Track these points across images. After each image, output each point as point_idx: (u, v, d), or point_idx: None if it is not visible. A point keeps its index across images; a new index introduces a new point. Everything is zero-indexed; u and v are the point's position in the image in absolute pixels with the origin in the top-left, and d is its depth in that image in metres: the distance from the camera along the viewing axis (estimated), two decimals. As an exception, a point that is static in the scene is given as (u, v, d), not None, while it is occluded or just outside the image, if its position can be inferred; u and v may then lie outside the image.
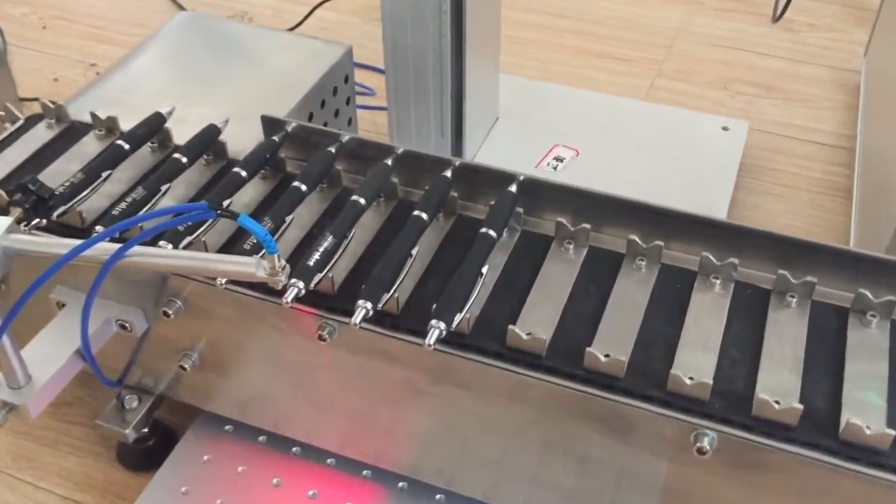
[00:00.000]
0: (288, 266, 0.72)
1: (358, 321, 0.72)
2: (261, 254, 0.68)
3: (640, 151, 1.34)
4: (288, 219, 0.82)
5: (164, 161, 0.90)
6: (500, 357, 0.74)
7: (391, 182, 0.87)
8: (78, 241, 0.70)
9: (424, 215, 0.81)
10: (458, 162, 0.87)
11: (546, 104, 1.44)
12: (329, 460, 0.95)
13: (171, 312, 0.83)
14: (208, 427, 0.98)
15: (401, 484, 0.93)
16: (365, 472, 0.94)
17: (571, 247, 0.83)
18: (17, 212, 0.81)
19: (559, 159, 1.32)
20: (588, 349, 0.71)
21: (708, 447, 0.68)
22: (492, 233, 0.80)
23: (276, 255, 0.70)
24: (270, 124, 0.94)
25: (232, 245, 0.82)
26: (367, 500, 0.92)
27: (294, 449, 0.96)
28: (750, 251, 0.80)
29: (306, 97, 1.07)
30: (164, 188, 0.86)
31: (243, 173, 0.86)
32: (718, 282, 0.79)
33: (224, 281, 0.76)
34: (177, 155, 0.88)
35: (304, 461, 0.95)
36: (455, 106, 1.23)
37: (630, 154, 1.33)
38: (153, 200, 0.84)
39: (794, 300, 0.77)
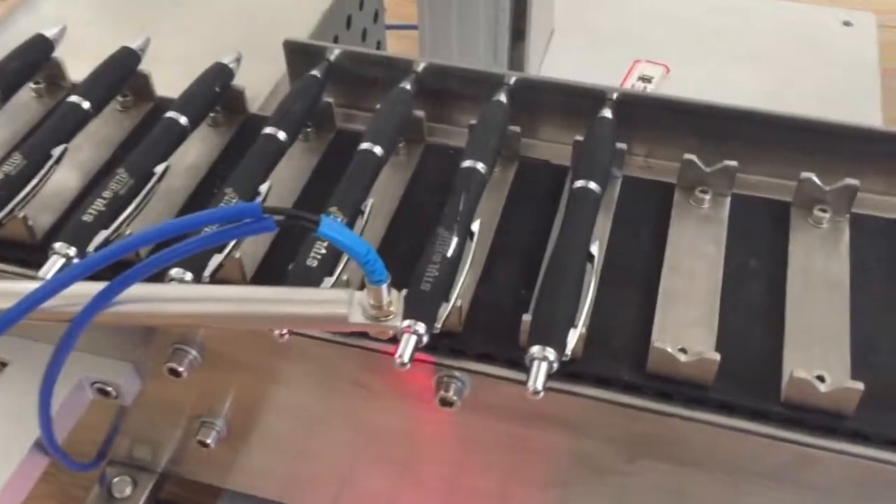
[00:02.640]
0: (400, 298, 0.41)
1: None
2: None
3: (746, 61, 1.03)
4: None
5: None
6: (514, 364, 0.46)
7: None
8: (28, 284, 0.38)
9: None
10: (613, 94, 0.55)
11: (614, 10, 1.12)
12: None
13: (182, 370, 0.51)
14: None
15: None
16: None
17: (707, 197, 0.53)
18: None
19: (646, 79, 1.01)
20: (793, 372, 0.43)
21: None
22: (592, 186, 0.50)
23: (385, 286, 0.39)
24: (299, 54, 0.61)
25: (278, 258, 0.50)
26: None
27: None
28: None
29: (329, 12, 0.74)
30: (159, 169, 0.52)
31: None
32: None
33: (285, 330, 0.44)
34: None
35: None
36: (514, 15, 0.91)
37: (733, 65, 1.03)
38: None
39: None
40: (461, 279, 0.46)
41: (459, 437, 0.51)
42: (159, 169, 0.52)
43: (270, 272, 0.49)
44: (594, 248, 0.47)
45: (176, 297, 0.40)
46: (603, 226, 0.52)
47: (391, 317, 0.40)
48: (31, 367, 0.52)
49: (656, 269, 0.50)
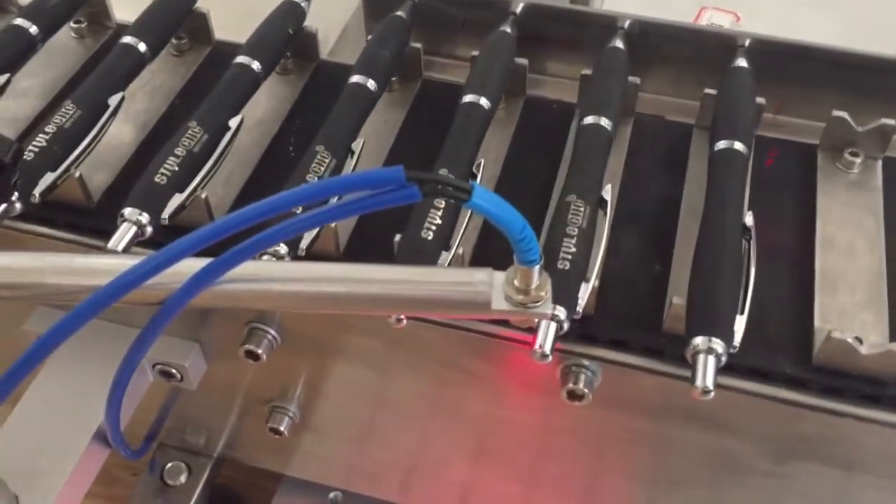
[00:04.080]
0: (550, 283, 0.34)
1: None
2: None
3: (818, 5, 0.96)
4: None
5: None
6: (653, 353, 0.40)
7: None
8: (108, 259, 0.32)
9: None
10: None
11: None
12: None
13: (261, 352, 0.45)
14: (301, 495, 0.61)
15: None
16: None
17: (858, 161, 0.46)
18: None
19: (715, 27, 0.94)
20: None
21: None
22: (738, 146, 0.43)
23: (536, 267, 0.33)
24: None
25: (362, 232, 0.44)
26: None
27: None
28: None
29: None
30: (233, 122, 0.45)
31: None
32: None
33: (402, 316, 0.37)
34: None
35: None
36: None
37: (811, 12, 0.96)
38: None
39: None
40: (599, 255, 0.40)
41: (583, 432, 0.45)
42: (234, 122, 0.45)
43: (364, 244, 0.43)
44: (749, 219, 0.41)
45: (284, 276, 0.33)
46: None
47: (540, 303, 0.34)
48: (84, 347, 0.45)
49: (807, 244, 0.43)
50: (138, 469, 0.64)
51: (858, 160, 0.46)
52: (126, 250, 0.39)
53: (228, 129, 0.44)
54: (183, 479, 0.58)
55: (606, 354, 0.40)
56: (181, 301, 0.32)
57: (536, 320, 0.37)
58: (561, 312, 0.37)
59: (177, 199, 0.41)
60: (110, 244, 0.39)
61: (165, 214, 0.40)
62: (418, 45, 0.51)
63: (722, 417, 0.41)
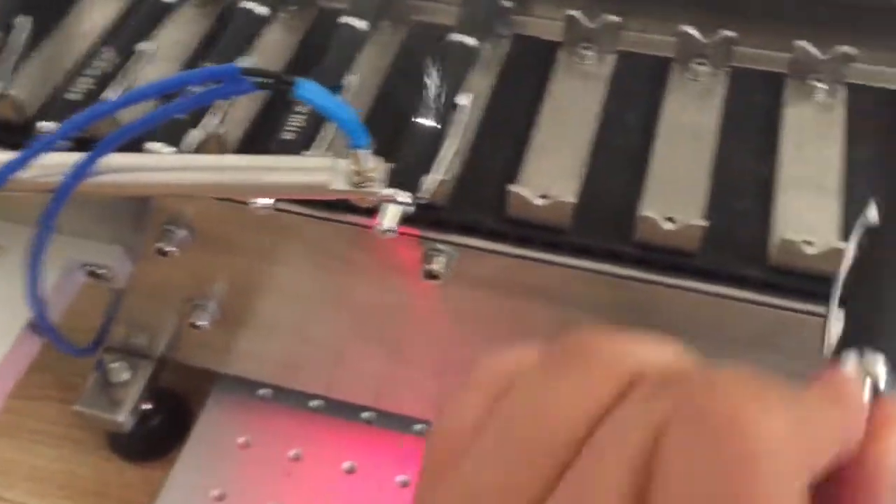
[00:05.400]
0: (384, 166, 0.41)
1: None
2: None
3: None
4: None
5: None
6: (499, 237, 0.47)
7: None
8: (6, 154, 0.38)
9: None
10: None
11: None
12: (418, 426, 0.66)
13: (170, 249, 0.52)
14: (235, 394, 0.69)
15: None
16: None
17: (590, 53, 0.53)
18: None
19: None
20: (641, 213, 0.44)
21: None
22: (468, 41, 0.50)
23: (366, 150, 0.39)
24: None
25: (260, 135, 0.50)
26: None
27: (365, 415, 0.67)
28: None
29: None
30: (142, 47, 0.52)
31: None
32: (823, 87, 0.50)
33: (265, 201, 0.44)
34: None
35: (382, 433, 0.66)
36: None
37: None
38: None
39: None
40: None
41: (448, 311, 0.52)
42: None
43: (254, 150, 0.49)
44: (464, 100, 0.47)
45: (154, 166, 0.40)
46: (484, 81, 0.51)
47: (373, 183, 0.40)
48: (21, 250, 0.52)
49: (533, 120, 0.50)
50: (94, 375, 0.71)
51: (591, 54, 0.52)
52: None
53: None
54: (125, 376, 0.65)
55: (458, 239, 0.47)
56: (65, 190, 0.39)
57: (384, 203, 0.43)
58: (403, 196, 0.43)
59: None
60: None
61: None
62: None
63: (559, 292, 0.48)
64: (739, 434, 0.18)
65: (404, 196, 0.43)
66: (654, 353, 0.22)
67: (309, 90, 0.36)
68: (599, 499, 0.19)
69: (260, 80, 0.36)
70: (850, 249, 0.31)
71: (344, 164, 0.40)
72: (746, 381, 0.19)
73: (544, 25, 0.55)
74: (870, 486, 0.21)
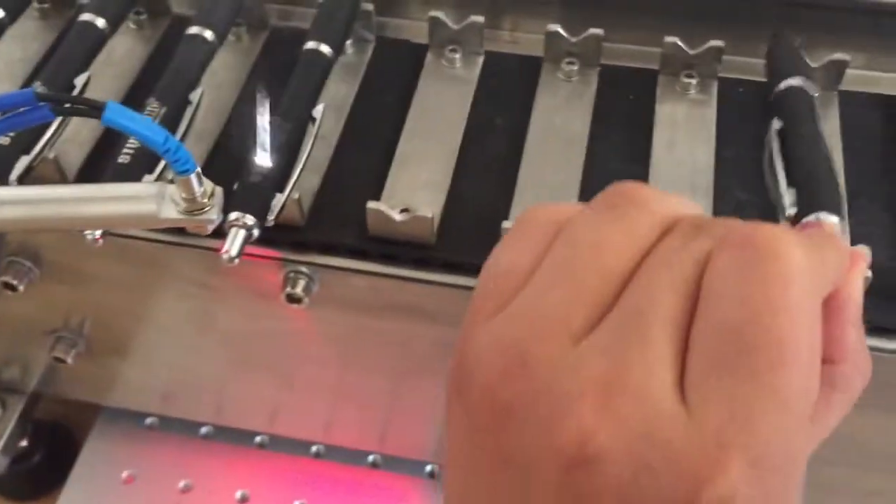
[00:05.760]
0: (219, 191, 0.37)
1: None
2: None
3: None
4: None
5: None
6: (361, 255, 0.44)
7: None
8: None
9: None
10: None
11: None
12: (314, 448, 0.64)
13: (17, 284, 0.48)
14: (121, 424, 0.65)
15: (429, 468, 0.62)
16: (371, 457, 0.63)
17: (458, 56, 0.50)
18: None
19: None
20: (505, 223, 0.41)
21: None
22: (323, 48, 0.47)
23: (193, 175, 0.36)
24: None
25: (101, 158, 0.46)
26: (390, 499, 0.61)
27: (258, 439, 0.64)
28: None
29: None
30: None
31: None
32: (693, 81, 0.49)
33: (98, 233, 0.40)
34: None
35: (276, 457, 0.64)
36: None
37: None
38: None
39: None
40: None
41: (318, 333, 0.49)
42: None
43: (96, 174, 0.46)
44: (318, 111, 0.45)
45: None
46: (345, 89, 0.49)
47: (207, 209, 0.37)
48: None
49: (398, 129, 0.47)
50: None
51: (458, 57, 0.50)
52: None
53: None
54: (-5, 414, 0.61)
55: (319, 259, 0.44)
56: None
57: (227, 228, 0.40)
58: (249, 219, 0.40)
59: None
60: None
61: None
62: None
63: (431, 309, 0.45)
64: (777, 257, 0.22)
65: (248, 219, 0.40)
66: (686, 206, 0.25)
67: (119, 115, 0.33)
68: (653, 314, 0.22)
69: (62, 106, 0.33)
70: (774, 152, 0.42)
71: (173, 190, 0.37)
72: (773, 225, 0.23)
73: (411, 28, 0.53)
74: (840, 312, 0.26)
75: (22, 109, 0.33)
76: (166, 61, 0.48)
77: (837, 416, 0.26)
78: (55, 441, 0.66)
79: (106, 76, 0.50)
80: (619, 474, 0.21)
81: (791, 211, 0.40)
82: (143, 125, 0.34)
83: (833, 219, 0.38)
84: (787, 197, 0.40)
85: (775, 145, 0.42)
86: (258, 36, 0.53)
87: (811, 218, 0.39)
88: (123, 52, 0.52)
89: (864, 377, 0.26)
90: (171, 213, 0.37)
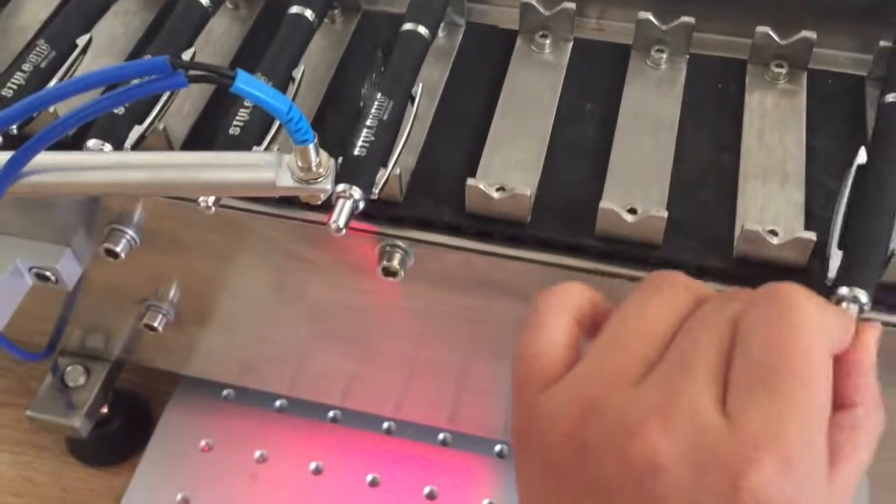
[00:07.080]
0: (332, 162, 0.39)
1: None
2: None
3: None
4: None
5: None
6: (457, 231, 0.45)
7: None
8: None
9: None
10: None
11: None
12: (386, 424, 0.65)
13: (118, 250, 0.50)
14: (198, 396, 0.67)
15: (498, 447, 0.64)
16: (441, 435, 0.65)
17: (548, 42, 0.51)
18: None
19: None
20: (602, 205, 0.42)
21: None
22: (421, 30, 0.48)
23: (311, 145, 0.37)
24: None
25: (207, 130, 0.48)
26: (459, 476, 0.63)
27: (331, 414, 0.66)
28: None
29: None
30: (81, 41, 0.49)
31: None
32: (783, 71, 0.49)
33: (211, 199, 0.42)
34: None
35: (349, 432, 0.65)
36: None
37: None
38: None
39: None
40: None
41: (408, 308, 0.50)
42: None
43: (200, 146, 0.47)
44: (417, 91, 0.46)
45: (91, 164, 0.38)
46: (438, 72, 0.51)
47: (321, 179, 0.39)
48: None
49: (490, 111, 0.48)
50: (52, 379, 0.69)
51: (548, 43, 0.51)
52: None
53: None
54: (81, 380, 0.63)
55: (415, 234, 0.45)
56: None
57: (335, 200, 0.41)
58: (356, 192, 0.41)
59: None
60: None
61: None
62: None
63: (520, 286, 0.46)
64: (794, 309, 0.28)
65: (355, 192, 0.41)
66: (711, 288, 0.32)
67: (248, 83, 0.34)
68: (696, 358, 0.28)
69: (194, 73, 0.34)
70: (845, 195, 0.41)
71: (290, 160, 0.38)
72: (792, 286, 0.29)
73: (501, 14, 0.54)
74: (858, 365, 0.31)
75: (155, 77, 0.35)
76: (262, 41, 0.50)
77: (865, 449, 0.30)
78: (134, 411, 0.68)
79: (206, 54, 0.52)
80: (681, 477, 0.26)
81: (832, 275, 0.39)
82: (270, 93, 0.35)
83: (863, 296, 0.38)
84: (834, 260, 0.40)
85: (849, 184, 0.42)
86: (351, 18, 0.54)
87: (844, 291, 0.38)
88: (222, 31, 0.53)
89: (879, 414, 0.31)
90: (287, 181, 0.38)
